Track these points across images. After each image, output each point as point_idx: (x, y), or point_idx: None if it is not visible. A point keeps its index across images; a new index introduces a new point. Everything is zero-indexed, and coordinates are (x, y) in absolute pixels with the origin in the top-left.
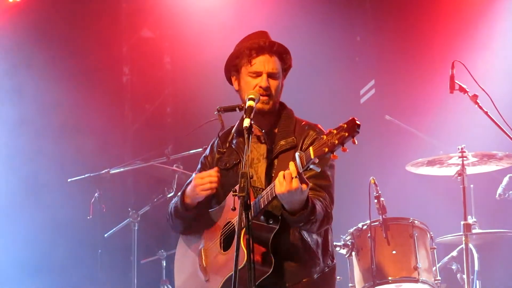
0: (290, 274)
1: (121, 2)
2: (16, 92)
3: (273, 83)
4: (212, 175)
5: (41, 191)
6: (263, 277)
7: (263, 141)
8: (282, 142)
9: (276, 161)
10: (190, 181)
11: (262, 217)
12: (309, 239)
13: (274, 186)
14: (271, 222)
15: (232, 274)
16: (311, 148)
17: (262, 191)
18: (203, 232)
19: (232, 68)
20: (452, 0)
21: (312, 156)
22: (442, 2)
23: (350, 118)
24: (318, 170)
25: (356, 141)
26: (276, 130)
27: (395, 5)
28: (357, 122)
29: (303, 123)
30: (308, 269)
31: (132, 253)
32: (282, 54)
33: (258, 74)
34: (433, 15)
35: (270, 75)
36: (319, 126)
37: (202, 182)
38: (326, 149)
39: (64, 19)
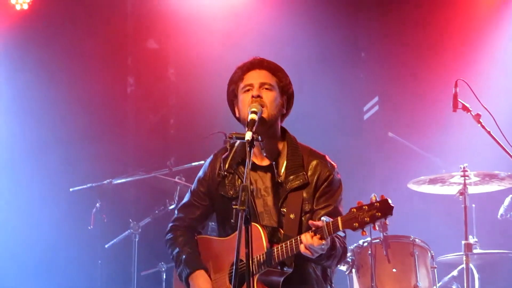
0: None
1: (126, 13)
2: (21, 101)
3: (267, 94)
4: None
5: (43, 200)
6: None
7: (270, 172)
8: (292, 178)
9: (286, 200)
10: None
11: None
12: (318, 272)
13: (297, 243)
14: (285, 269)
15: None
16: (339, 219)
17: (275, 229)
18: (209, 262)
19: (232, 95)
20: (458, 19)
21: (340, 228)
22: (447, 21)
23: (383, 198)
24: (343, 235)
25: (388, 222)
26: (283, 161)
27: (401, 23)
28: (391, 204)
29: (309, 152)
30: None
31: (132, 264)
32: (274, 70)
33: (250, 87)
34: (438, 34)
35: (263, 86)
36: (327, 158)
37: None
38: (357, 225)
39: (69, 29)
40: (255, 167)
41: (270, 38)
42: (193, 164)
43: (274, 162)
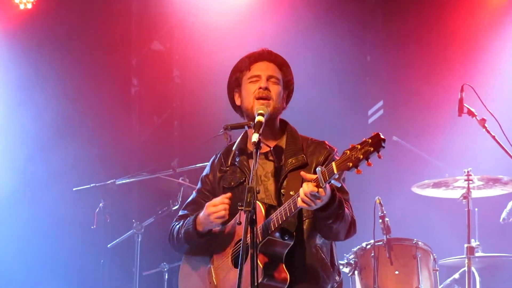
0: None
1: (132, 14)
2: (25, 100)
3: (274, 87)
4: (225, 202)
5: (47, 199)
6: None
7: (270, 158)
8: (292, 160)
9: (286, 180)
10: (190, 211)
11: (277, 233)
12: (325, 254)
13: (294, 200)
14: (286, 238)
15: None
16: (333, 163)
17: (274, 207)
18: (211, 251)
19: (234, 83)
20: (464, 24)
21: (335, 171)
22: (453, 25)
23: (374, 134)
24: (339, 185)
25: (381, 156)
26: (282, 147)
27: (407, 27)
28: (382, 136)
29: (309, 140)
30: (322, 285)
31: (134, 264)
32: (281, 65)
33: (257, 78)
34: (444, 38)
35: (270, 78)
36: (326, 142)
37: (216, 209)
38: (351, 164)
39: (74, 29)
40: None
41: (275, 41)
42: (197, 165)
43: (272, 148)
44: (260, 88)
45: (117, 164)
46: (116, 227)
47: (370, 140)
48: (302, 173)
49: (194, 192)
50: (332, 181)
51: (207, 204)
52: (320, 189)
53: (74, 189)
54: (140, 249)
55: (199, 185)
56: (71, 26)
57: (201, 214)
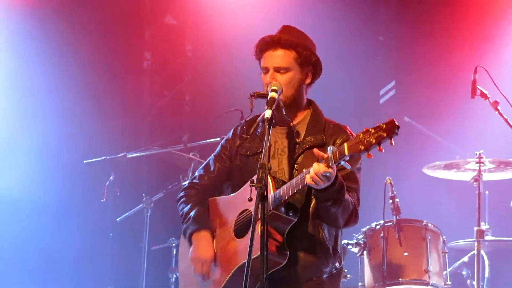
0: (302, 270)
1: None
2: (41, 74)
3: (281, 78)
4: (204, 272)
5: (57, 171)
6: (276, 268)
7: (290, 134)
8: (311, 138)
9: (302, 156)
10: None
11: (282, 208)
12: (326, 237)
13: (303, 178)
14: (290, 214)
15: (245, 262)
16: (345, 144)
17: (284, 183)
18: (215, 217)
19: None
20: (478, 4)
21: (346, 153)
22: (467, 6)
23: (389, 120)
24: (349, 168)
25: (393, 142)
26: (304, 126)
27: (420, 7)
28: (396, 123)
29: (332, 123)
30: (319, 267)
31: (143, 238)
32: (292, 46)
33: (266, 70)
34: (458, 19)
35: (277, 70)
36: (348, 128)
37: (200, 269)
38: (362, 147)
39: (89, 3)
40: (277, 128)
41: (288, 19)
42: (208, 140)
43: (293, 124)
44: (266, 83)
45: (128, 138)
46: (125, 200)
47: (384, 126)
48: (315, 150)
49: (212, 155)
50: (342, 163)
51: (199, 257)
52: (330, 169)
53: (85, 161)
54: (149, 223)
55: (218, 148)
56: (85, 2)
57: (192, 248)
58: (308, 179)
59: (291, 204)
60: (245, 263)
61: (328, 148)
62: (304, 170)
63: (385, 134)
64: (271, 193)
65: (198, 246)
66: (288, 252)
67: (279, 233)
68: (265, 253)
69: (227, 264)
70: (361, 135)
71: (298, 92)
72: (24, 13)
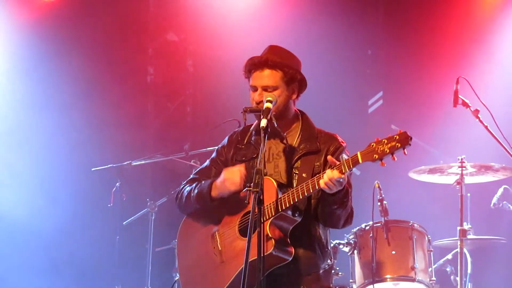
0: (304, 265)
1: (149, 6)
2: (49, 86)
3: (270, 95)
4: (241, 170)
5: (66, 178)
6: (281, 264)
7: (283, 141)
8: (306, 145)
9: (298, 162)
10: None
11: (289, 210)
12: (323, 236)
13: (313, 182)
14: (296, 215)
15: (254, 259)
16: (359, 153)
17: (285, 185)
18: (216, 216)
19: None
20: (458, 21)
21: (360, 161)
22: (449, 21)
23: (402, 131)
24: (358, 173)
25: (406, 152)
26: (296, 134)
27: (406, 21)
28: (409, 134)
29: (323, 133)
30: (317, 263)
31: (148, 241)
32: (278, 66)
33: (255, 89)
34: (441, 34)
35: (265, 88)
36: (338, 136)
37: (232, 176)
38: (376, 156)
39: (94, 21)
40: (270, 136)
41: (280, 33)
42: (208, 149)
43: (285, 133)
44: (255, 102)
45: (133, 147)
46: (131, 205)
47: (397, 137)
48: (329, 157)
49: (207, 160)
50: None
51: (225, 169)
52: (343, 175)
53: (93, 169)
54: (153, 226)
55: (214, 154)
56: (91, 18)
57: (218, 180)
58: (322, 184)
59: (296, 206)
60: (254, 259)
61: (341, 156)
62: (304, 175)
63: (399, 145)
64: (275, 194)
65: (223, 174)
66: (293, 250)
67: (284, 232)
68: (262, 254)
69: (235, 260)
70: (374, 144)
71: (285, 107)
72: (33, 31)
